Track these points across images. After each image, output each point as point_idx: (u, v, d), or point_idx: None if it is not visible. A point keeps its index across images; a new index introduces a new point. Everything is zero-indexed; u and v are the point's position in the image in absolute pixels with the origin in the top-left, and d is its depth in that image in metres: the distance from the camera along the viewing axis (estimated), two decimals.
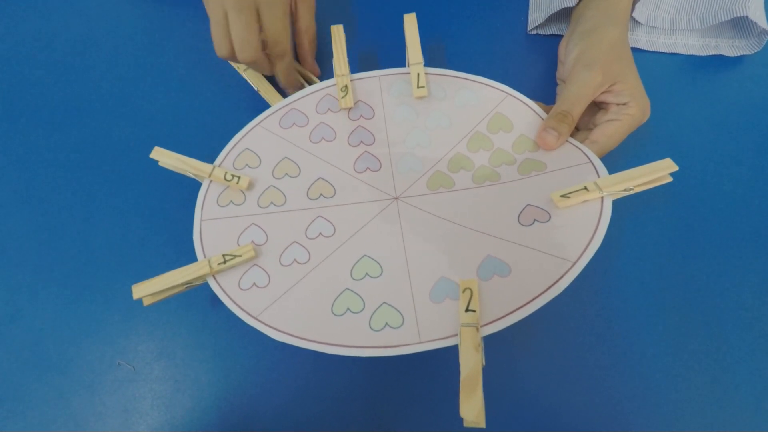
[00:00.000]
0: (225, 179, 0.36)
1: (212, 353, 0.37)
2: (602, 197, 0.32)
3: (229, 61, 0.45)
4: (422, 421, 0.35)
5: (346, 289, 0.32)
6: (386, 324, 0.31)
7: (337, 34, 0.41)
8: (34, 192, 0.43)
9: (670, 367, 0.36)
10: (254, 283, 0.33)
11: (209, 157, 0.38)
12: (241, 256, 0.33)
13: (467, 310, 0.29)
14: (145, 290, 0.31)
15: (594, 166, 0.35)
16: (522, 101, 0.39)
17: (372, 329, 0.31)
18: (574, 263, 0.30)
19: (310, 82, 0.44)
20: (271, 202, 0.37)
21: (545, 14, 0.45)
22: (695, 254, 0.39)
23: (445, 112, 0.40)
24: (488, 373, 0.28)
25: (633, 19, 0.45)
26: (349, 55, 0.41)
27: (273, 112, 0.40)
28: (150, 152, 0.36)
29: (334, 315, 0.31)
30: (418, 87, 0.39)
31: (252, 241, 0.35)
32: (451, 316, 0.30)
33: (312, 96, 0.41)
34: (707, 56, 0.46)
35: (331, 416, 0.35)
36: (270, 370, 0.37)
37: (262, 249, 0.35)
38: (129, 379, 0.37)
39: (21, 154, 0.44)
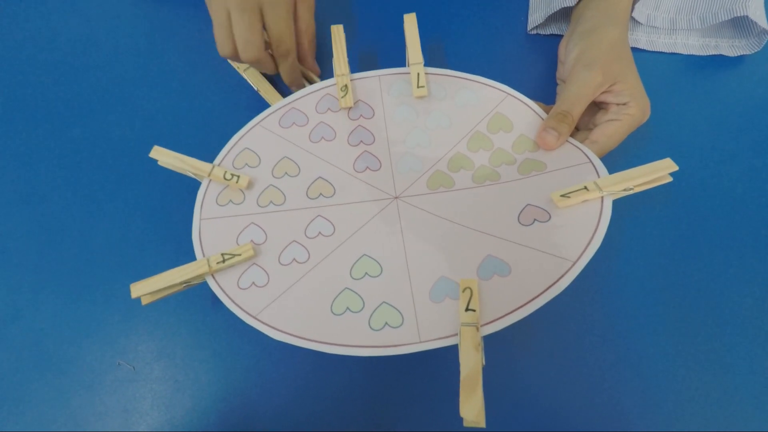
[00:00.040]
0: (224, 178, 0.36)
1: (212, 353, 0.37)
2: (602, 197, 0.32)
3: (230, 61, 0.45)
4: (422, 421, 0.35)
5: (346, 288, 0.32)
6: (386, 323, 0.31)
7: (337, 33, 0.41)
8: (34, 192, 0.43)
9: (670, 367, 0.36)
10: (253, 283, 0.33)
11: (209, 156, 0.38)
12: (240, 255, 0.33)
13: (467, 309, 0.29)
14: (144, 289, 0.31)
15: (594, 166, 0.35)
16: (522, 101, 0.39)
17: (372, 329, 0.31)
18: (574, 263, 0.30)
19: (311, 81, 0.44)
20: (271, 202, 0.37)
21: (545, 14, 0.45)
22: (695, 254, 0.39)
23: (445, 112, 0.40)
24: (488, 372, 0.28)
25: (633, 18, 0.45)
26: (349, 55, 0.41)
27: (273, 112, 0.40)
28: (149, 152, 0.36)
29: (334, 314, 0.31)
30: (418, 87, 0.39)
31: (251, 240, 0.35)
32: (451, 316, 0.30)
33: (312, 95, 0.41)
34: (707, 56, 0.46)
35: (331, 416, 0.35)
36: (270, 370, 0.37)
37: (261, 248, 0.35)
38: (129, 379, 0.37)
39: (21, 154, 0.44)
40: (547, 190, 0.34)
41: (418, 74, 0.40)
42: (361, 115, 0.40)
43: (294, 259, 0.34)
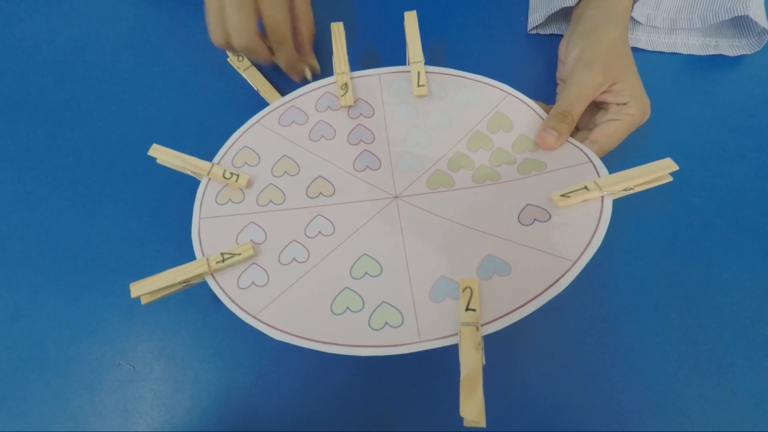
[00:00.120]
0: (224, 177, 0.36)
1: (212, 353, 0.37)
2: (602, 197, 0.32)
3: (229, 61, 0.45)
4: (422, 421, 0.35)
5: (346, 288, 0.32)
6: (386, 323, 0.31)
7: (337, 31, 0.41)
8: (33, 191, 0.43)
9: (670, 367, 0.36)
10: (253, 282, 0.33)
11: (208, 155, 0.38)
12: (239, 254, 0.33)
13: (467, 309, 0.29)
14: (143, 289, 0.31)
15: (594, 165, 0.35)
16: (522, 101, 0.39)
17: (372, 328, 0.30)
18: (575, 263, 0.30)
19: (312, 71, 0.44)
20: (270, 201, 0.37)
21: (545, 14, 0.45)
22: (695, 254, 0.39)
23: (445, 111, 0.40)
24: (488, 372, 0.28)
25: (633, 18, 0.45)
26: (349, 53, 0.40)
27: (272, 110, 0.40)
28: (149, 150, 0.36)
29: (334, 314, 0.31)
30: (418, 85, 0.39)
31: (251, 240, 0.35)
32: (451, 316, 0.30)
33: (311, 94, 0.41)
34: (707, 56, 0.46)
35: (331, 416, 0.35)
36: (270, 370, 0.37)
37: (261, 247, 0.35)
38: (129, 379, 0.37)
39: (20, 154, 0.44)
40: (547, 189, 0.34)
41: (419, 73, 0.40)
42: (361, 114, 0.40)
43: (294, 258, 0.34)
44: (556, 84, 0.43)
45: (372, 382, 0.36)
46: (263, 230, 0.35)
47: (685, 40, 0.46)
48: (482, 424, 0.25)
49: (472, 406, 0.26)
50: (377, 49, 0.47)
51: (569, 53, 0.40)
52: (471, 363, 0.27)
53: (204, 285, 0.34)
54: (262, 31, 0.40)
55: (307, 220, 0.36)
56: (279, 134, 0.39)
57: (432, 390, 0.36)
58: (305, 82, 0.43)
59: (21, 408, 0.36)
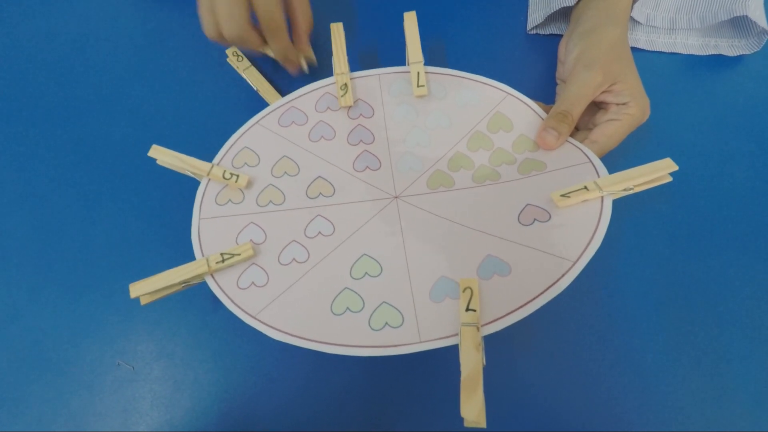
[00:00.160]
0: (224, 177, 0.36)
1: (212, 353, 0.37)
2: (602, 197, 0.32)
3: (228, 57, 0.45)
4: (422, 421, 0.35)
5: (346, 288, 0.32)
6: (386, 323, 0.31)
7: (337, 32, 0.41)
8: (33, 191, 0.43)
9: (670, 367, 0.36)
10: (253, 282, 0.33)
11: (208, 155, 0.38)
12: (239, 254, 0.33)
13: (467, 309, 0.29)
14: (143, 289, 0.31)
15: (594, 165, 0.35)
16: (522, 101, 0.39)
17: (372, 329, 0.30)
18: (575, 263, 0.30)
19: (308, 62, 0.44)
20: (270, 201, 0.37)
21: (544, 14, 0.45)
22: (695, 254, 0.39)
23: (445, 112, 0.40)
24: (488, 372, 0.28)
25: (632, 18, 0.45)
26: (348, 54, 0.40)
27: (272, 111, 0.40)
28: (149, 151, 0.36)
29: (334, 314, 0.31)
30: (418, 86, 0.39)
31: (251, 240, 0.35)
32: (451, 316, 0.30)
33: (311, 94, 0.41)
34: (707, 56, 0.46)
35: (331, 416, 0.35)
36: (270, 370, 0.37)
37: (260, 248, 0.35)
38: (128, 380, 0.37)
39: (19, 154, 0.44)
40: (547, 189, 0.34)
41: (418, 73, 0.39)
42: (360, 114, 0.40)
43: (294, 258, 0.34)
44: (556, 84, 0.44)
45: (372, 382, 0.36)
46: (263, 230, 0.35)
47: (684, 40, 0.47)
48: (483, 424, 0.25)
49: (472, 407, 0.26)
50: (377, 49, 0.47)
51: (569, 53, 0.40)
52: (471, 363, 0.27)
53: (204, 285, 0.34)
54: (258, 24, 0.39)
55: (306, 221, 0.36)
56: (279, 135, 0.39)
57: (432, 390, 0.36)
58: (304, 77, 0.43)
59: (21, 408, 0.36)
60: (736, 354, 0.36)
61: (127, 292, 0.31)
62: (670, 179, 0.32)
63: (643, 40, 0.47)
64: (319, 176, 0.38)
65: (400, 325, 0.30)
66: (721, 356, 0.36)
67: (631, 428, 0.34)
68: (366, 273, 0.33)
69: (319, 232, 0.35)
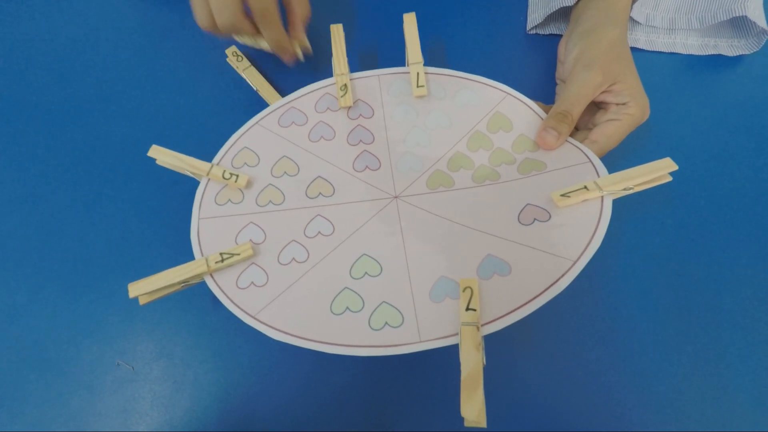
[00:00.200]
0: (223, 177, 0.36)
1: (212, 353, 0.37)
2: (602, 197, 0.32)
3: (228, 61, 0.45)
4: (422, 421, 0.35)
5: (346, 288, 0.32)
6: (386, 323, 0.31)
7: (337, 33, 0.41)
8: (32, 191, 0.43)
9: (670, 367, 0.36)
10: (252, 282, 0.33)
11: (207, 156, 0.38)
12: (239, 254, 0.33)
13: (468, 308, 0.29)
14: (141, 289, 0.31)
15: (594, 165, 0.35)
16: (522, 101, 0.39)
17: (371, 328, 0.30)
18: (575, 262, 0.30)
19: (304, 51, 0.43)
20: (270, 201, 0.37)
21: (544, 14, 0.45)
22: (695, 253, 0.39)
23: (444, 112, 0.40)
24: (488, 372, 0.28)
25: (632, 18, 0.45)
26: (348, 54, 0.40)
27: (272, 111, 0.40)
28: (148, 151, 0.36)
29: (333, 314, 0.31)
30: (417, 86, 0.39)
31: (250, 240, 0.35)
32: (451, 316, 0.30)
33: (311, 95, 0.41)
34: (706, 56, 0.46)
35: (331, 416, 0.35)
36: (269, 370, 0.37)
37: (260, 248, 0.35)
38: (128, 380, 0.37)
39: (20, 154, 0.44)
40: (547, 189, 0.34)
41: (418, 74, 0.40)
42: (360, 115, 0.40)
43: (293, 258, 0.34)
44: (556, 84, 0.44)
45: (372, 382, 0.36)
46: (262, 230, 0.35)
47: (684, 40, 0.47)
48: (483, 424, 0.25)
49: (472, 406, 0.26)
50: (377, 50, 0.47)
51: (568, 53, 0.40)
52: (471, 363, 0.27)
53: (204, 285, 0.34)
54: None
55: (306, 221, 0.36)
56: (278, 135, 0.39)
57: (432, 390, 0.36)
58: (303, 77, 0.43)
59: (21, 408, 0.36)
60: (736, 354, 0.36)
61: (127, 292, 0.31)
62: (670, 179, 0.32)
63: (642, 40, 0.47)
64: (319, 176, 0.38)
65: (400, 325, 0.30)
66: (721, 356, 0.36)
67: (631, 428, 0.34)
68: (366, 273, 0.33)
69: (319, 232, 0.35)
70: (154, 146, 0.36)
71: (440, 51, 0.47)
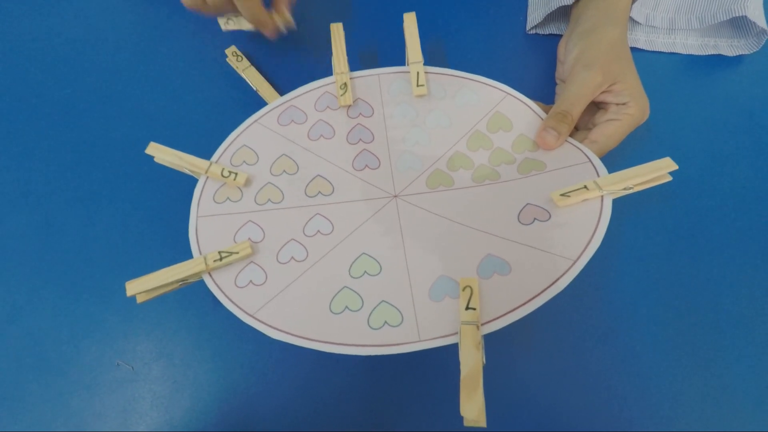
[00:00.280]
0: (222, 176, 0.36)
1: (211, 353, 0.37)
2: (602, 196, 0.32)
3: (228, 60, 0.45)
4: (422, 420, 0.35)
5: (345, 287, 0.32)
6: (385, 322, 0.30)
7: (337, 32, 0.41)
8: (31, 191, 0.43)
9: (670, 367, 0.36)
10: (251, 281, 0.33)
11: (206, 155, 0.38)
12: (237, 253, 0.33)
13: (467, 308, 0.29)
14: (139, 287, 0.31)
15: (593, 165, 0.35)
16: (521, 101, 0.39)
17: (371, 327, 0.30)
18: (575, 262, 0.30)
19: (285, 24, 0.43)
20: (269, 199, 0.37)
21: (543, 13, 0.45)
22: (695, 253, 0.39)
23: (444, 111, 0.40)
24: (488, 372, 0.28)
25: (632, 18, 0.45)
26: (348, 53, 0.40)
27: (271, 109, 0.40)
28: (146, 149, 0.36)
29: (332, 313, 0.31)
30: (417, 85, 0.39)
31: (249, 239, 0.35)
32: (450, 315, 0.30)
33: (311, 93, 0.41)
34: (706, 56, 0.46)
35: (331, 416, 0.35)
36: (269, 370, 0.36)
37: (259, 246, 0.34)
38: (128, 380, 0.37)
39: (19, 154, 0.44)
40: (547, 189, 0.34)
41: (418, 73, 0.40)
42: (360, 114, 0.40)
43: (292, 257, 0.34)
44: (556, 84, 0.44)
45: (372, 382, 0.36)
46: (261, 229, 0.35)
47: (683, 40, 0.47)
48: (483, 423, 0.25)
49: (472, 406, 0.26)
50: (377, 49, 0.47)
51: (568, 53, 0.40)
52: (471, 362, 0.27)
53: (204, 285, 0.34)
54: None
55: (305, 219, 0.36)
56: (278, 133, 0.39)
57: (432, 390, 0.36)
58: (303, 77, 0.42)
59: (20, 408, 0.36)
60: (736, 354, 0.36)
61: (125, 291, 0.31)
62: (669, 179, 0.32)
63: (642, 40, 0.47)
64: (318, 175, 0.38)
65: (400, 324, 0.30)
66: (721, 356, 0.36)
67: (631, 428, 0.34)
68: (365, 272, 0.33)
69: (318, 231, 0.35)
70: (151, 143, 0.36)
71: (440, 51, 0.47)
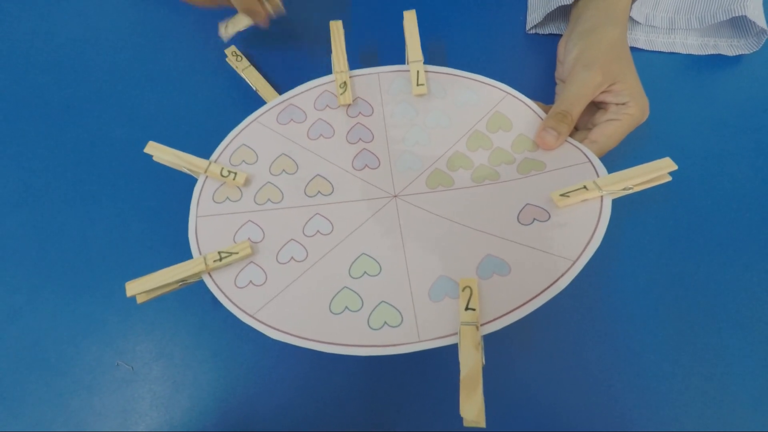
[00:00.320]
0: (221, 175, 0.36)
1: (211, 353, 0.37)
2: (602, 196, 0.32)
3: (228, 60, 0.45)
4: (422, 421, 0.35)
5: (345, 287, 0.32)
6: (385, 323, 0.30)
7: (336, 30, 0.41)
8: (31, 191, 0.43)
9: (669, 367, 0.36)
10: (251, 281, 0.33)
11: (205, 154, 0.38)
12: (237, 253, 0.33)
13: (467, 308, 0.29)
14: (139, 288, 0.31)
15: (593, 165, 0.35)
16: (521, 101, 0.39)
17: (371, 328, 0.30)
18: (574, 262, 0.30)
19: (274, 9, 0.42)
20: (268, 199, 0.37)
21: (543, 13, 0.45)
22: (694, 253, 0.39)
23: (444, 111, 0.40)
24: (488, 372, 0.28)
25: (631, 18, 0.45)
26: (348, 52, 0.40)
27: (270, 108, 0.40)
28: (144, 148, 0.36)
29: (332, 313, 0.31)
30: (417, 84, 0.39)
31: (248, 239, 0.35)
32: (450, 315, 0.30)
33: (310, 92, 0.41)
34: (706, 55, 0.46)
35: (331, 416, 0.35)
36: (269, 370, 0.36)
37: (258, 246, 0.34)
38: (128, 380, 0.37)
39: (19, 154, 0.44)
40: (547, 189, 0.34)
41: (418, 72, 0.39)
42: (360, 113, 0.40)
43: (292, 257, 0.34)
44: (555, 84, 0.43)
45: (372, 382, 0.36)
46: (261, 229, 0.35)
47: (683, 39, 0.47)
48: (482, 424, 0.25)
49: (472, 406, 0.26)
50: (377, 48, 0.47)
51: (568, 53, 0.40)
52: (471, 363, 0.27)
53: (204, 285, 0.34)
54: None
55: (305, 219, 0.36)
56: (277, 132, 0.39)
57: (432, 390, 0.36)
58: (302, 77, 0.42)
59: (20, 408, 0.36)
60: (736, 354, 0.36)
61: (125, 291, 0.31)
62: (669, 179, 0.32)
63: (642, 39, 0.47)
64: (318, 174, 0.38)
65: (399, 325, 0.30)
66: (721, 356, 0.36)
67: (631, 428, 0.34)
68: (365, 272, 0.33)
69: (318, 231, 0.35)
70: (150, 143, 0.36)
71: (440, 50, 0.47)
